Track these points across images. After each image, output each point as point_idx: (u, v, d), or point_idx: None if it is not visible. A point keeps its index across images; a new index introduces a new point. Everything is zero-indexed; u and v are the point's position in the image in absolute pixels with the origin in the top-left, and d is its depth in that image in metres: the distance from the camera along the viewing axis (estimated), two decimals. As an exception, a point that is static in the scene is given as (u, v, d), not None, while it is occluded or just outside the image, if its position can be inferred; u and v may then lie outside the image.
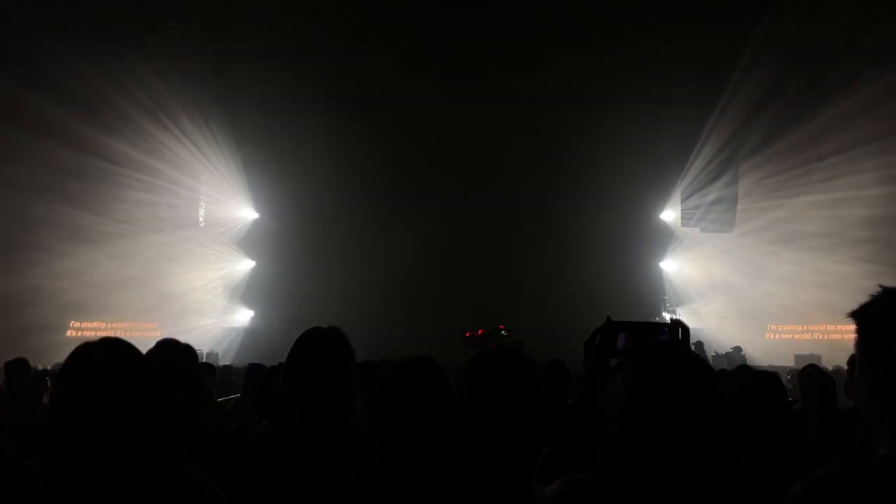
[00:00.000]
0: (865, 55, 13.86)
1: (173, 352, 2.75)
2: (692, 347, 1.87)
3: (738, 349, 13.59)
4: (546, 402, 3.54)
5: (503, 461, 2.12)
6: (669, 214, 17.91)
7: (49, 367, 8.31)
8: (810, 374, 4.28)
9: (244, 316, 17.83)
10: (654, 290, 17.45)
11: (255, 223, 18.18)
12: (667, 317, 16.72)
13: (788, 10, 14.30)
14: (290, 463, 2.14)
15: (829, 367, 6.11)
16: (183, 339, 2.87)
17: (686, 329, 1.75)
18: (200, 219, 17.92)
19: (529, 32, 15.33)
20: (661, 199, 17.74)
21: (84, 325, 15.96)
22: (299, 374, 2.21)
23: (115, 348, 1.71)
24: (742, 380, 2.94)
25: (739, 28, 15.00)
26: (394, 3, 15.48)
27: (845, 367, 3.56)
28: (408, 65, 15.89)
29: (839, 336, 14.03)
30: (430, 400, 2.01)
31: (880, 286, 1.40)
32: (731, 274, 16.80)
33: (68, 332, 15.73)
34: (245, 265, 18.10)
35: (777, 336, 16.11)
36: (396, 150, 16.95)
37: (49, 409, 1.65)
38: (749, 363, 11.73)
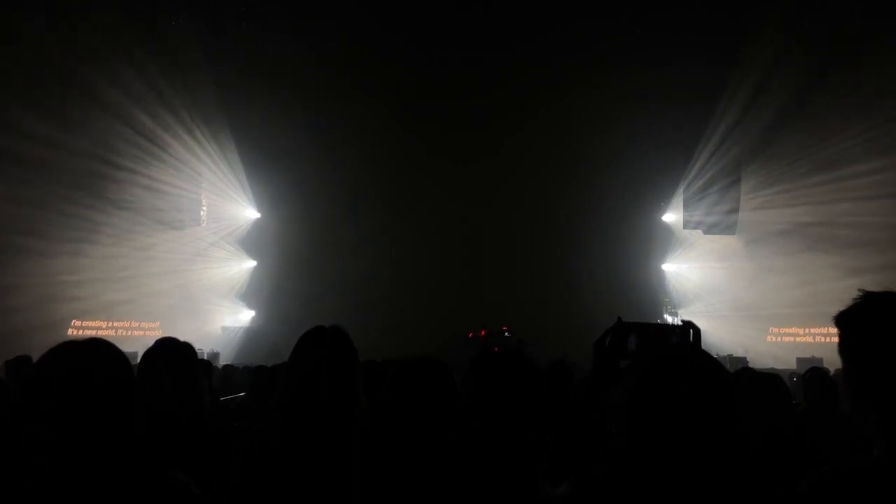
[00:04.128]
0: (869, 55, 13.84)
1: (172, 350, 2.77)
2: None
3: None
4: (549, 403, 3.54)
5: (504, 455, 2.13)
6: (671, 217, 17.90)
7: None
8: (812, 377, 4.28)
9: (245, 316, 17.83)
10: (655, 292, 17.43)
11: (257, 223, 18.19)
12: (668, 319, 16.71)
13: (791, 11, 14.28)
14: (293, 461, 2.14)
15: (831, 370, 6.10)
16: (184, 338, 2.90)
17: (697, 330, 1.74)
18: (202, 218, 17.92)
19: (529, 34, 15.32)
20: (664, 201, 17.73)
21: (85, 323, 15.96)
22: (302, 373, 2.21)
23: (95, 349, 1.68)
24: (744, 382, 2.93)
25: (741, 29, 14.98)
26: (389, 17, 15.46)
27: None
28: (407, 68, 15.93)
29: (837, 328, 13.96)
30: (436, 399, 2.03)
31: (861, 290, 1.41)
32: (732, 276, 16.78)
33: (69, 331, 15.74)
34: (246, 265, 18.11)
35: (778, 339, 16.08)
36: (400, 151, 16.92)
37: (27, 410, 1.61)
38: (750, 366, 11.72)
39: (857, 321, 1.42)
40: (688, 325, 1.75)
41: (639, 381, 1.43)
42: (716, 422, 1.37)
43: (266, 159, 16.89)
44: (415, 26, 15.49)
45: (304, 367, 2.21)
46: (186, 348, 2.85)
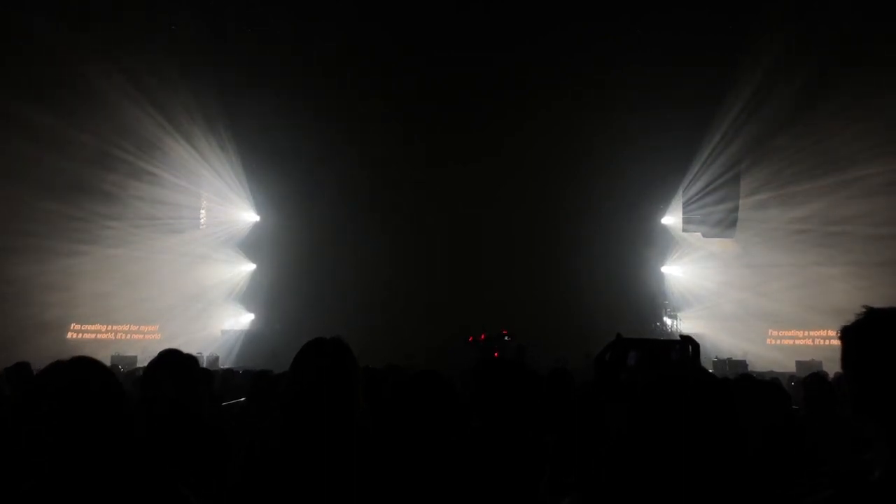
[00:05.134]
0: (869, 60, 13.85)
1: (175, 362, 2.81)
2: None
3: None
4: (549, 405, 3.56)
5: (504, 454, 2.16)
6: (670, 219, 17.89)
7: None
8: (812, 381, 4.28)
9: (245, 319, 17.80)
10: (654, 295, 17.41)
11: (256, 226, 18.16)
12: (668, 321, 16.71)
13: (791, 14, 14.29)
14: (293, 461, 2.16)
15: (830, 374, 6.11)
16: (183, 341, 2.95)
17: (696, 346, 1.75)
18: (201, 221, 17.91)
19: (529, 34, 15.33)
20: (663, 203, 17.72)
21: (84, 327, 15.96)
22: (303, 381, 2.23)
23: (91, 362, 1.76)
24: (744, 387, 2.93)
25: (741, 29, 14.99)
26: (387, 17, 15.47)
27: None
28: (407, 68, 15.93)
29: (840, 342, 13.97)
30: (437, 411, 2.06)
31: (865, 307, 1.42)
32: (731, 279, 16.78)
33: (69, 335, 15.74)
34: (246, 268, 18.08)
35: (778, 342, 16.07)
36: (400, 151, 16.91)
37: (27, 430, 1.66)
38: (750, 370, 11.74)
39: (858, 338, 1.42)
40: (687, 340, 1.75)
41: (640, 398, 1.43)
42: (717, 440, 1.37)
43: (266, 161, 16.87)
44: (415, 26, 15.50)
45: (305, 377, 2.23)
46: (189, 360, 2.89)
